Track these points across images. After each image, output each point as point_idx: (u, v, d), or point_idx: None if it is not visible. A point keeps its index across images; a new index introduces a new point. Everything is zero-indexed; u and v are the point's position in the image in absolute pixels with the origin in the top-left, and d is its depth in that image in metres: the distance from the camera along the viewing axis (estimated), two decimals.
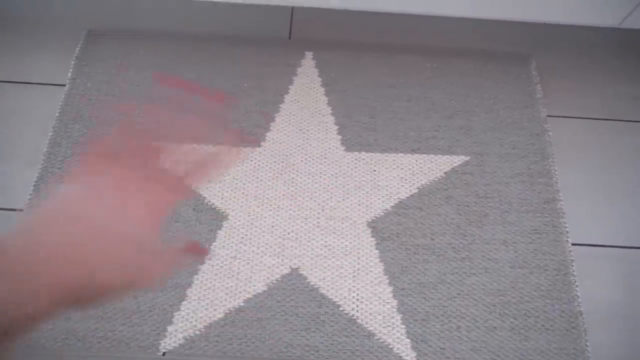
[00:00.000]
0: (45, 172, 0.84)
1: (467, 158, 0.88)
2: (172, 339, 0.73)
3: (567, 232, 0.82)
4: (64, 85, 0.93)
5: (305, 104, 0.92)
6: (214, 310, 0.75)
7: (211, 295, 0.76)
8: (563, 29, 0.99)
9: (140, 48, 0.97)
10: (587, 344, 0.74)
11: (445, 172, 0.87)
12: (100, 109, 0.90)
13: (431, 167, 0.87)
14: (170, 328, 0.74)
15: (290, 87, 0.94)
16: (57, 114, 0.90)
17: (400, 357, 0.73)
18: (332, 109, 0.92)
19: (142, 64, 0.95)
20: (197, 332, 0.74)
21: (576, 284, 0.78)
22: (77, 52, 0.96)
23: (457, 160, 0.88)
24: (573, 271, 0.79)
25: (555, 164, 0.88)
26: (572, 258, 0.80)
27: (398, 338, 0.74)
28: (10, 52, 0.96)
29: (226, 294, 0.76)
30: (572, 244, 0.81)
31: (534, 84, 0.96)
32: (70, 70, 0.94)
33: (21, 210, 0.81)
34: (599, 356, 0.73)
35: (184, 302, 0.75)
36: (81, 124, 0.89)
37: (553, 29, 0.99)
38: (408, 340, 0.74)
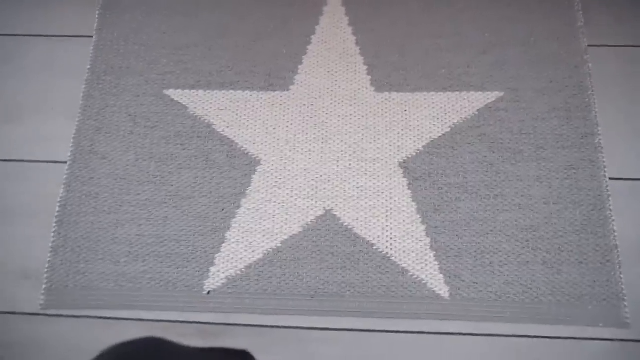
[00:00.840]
0: (82, 125, 0.87)
1: (502, 94, 0.86)
2: (215, 279, 0.77)
3: (604, 166, 0.80)
4: (90, 36, 0.93)
5: (333, 44, 0.90)
6: (253, 251, 0.78)
7: (249, 238, 0.79)
8: None
9: None
10: (622, 276, 0.74)
11: (478, 110, 0.85)
12: (129, 60, 0.91)
13: (463, 104, 0.85)
14: (212, 269, 0.78)
15: (316, 27, 0.92)
16: (88, 67, 0.91)
17: (433, 291, 0.75)
18: (360, 49, 0.90)
19: (169, 9, 0.94)
20: (238, 272, 0.77)
21: (612, 218, 0.77)
22: (100, 1, 0.95)
23: (490, 96, 0.85)
24: (609, 206, 0.78)
25: (595, 96, 0.84)
26: (609, 193, 0.79)
27: (431, 274, 0.76)
28: (36, 6, 0.96)
29: (263, 235, 0.79)
30: (610, 179, 0.79)
31: (575, 12, 0.90)
32: (96, 20, 0.94)
33: (64, 162, 0.85)
34: (633, 290, 0.74)
35: (223, 245, 0.79)
36: (112, 75, 0.90)
37: None
38: (441, 275, 0.76)
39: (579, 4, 0.91)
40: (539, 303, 0.74)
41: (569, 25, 0.90)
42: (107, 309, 0.76)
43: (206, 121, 0.86)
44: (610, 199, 0.79)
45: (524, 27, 0.90)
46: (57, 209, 0.82)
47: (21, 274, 0.79)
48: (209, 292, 0.77)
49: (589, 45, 0.88)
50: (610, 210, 0.78)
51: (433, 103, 0.85)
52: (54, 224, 0.81)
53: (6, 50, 0.93)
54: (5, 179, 0.85)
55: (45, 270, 0.79)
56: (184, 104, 0.87)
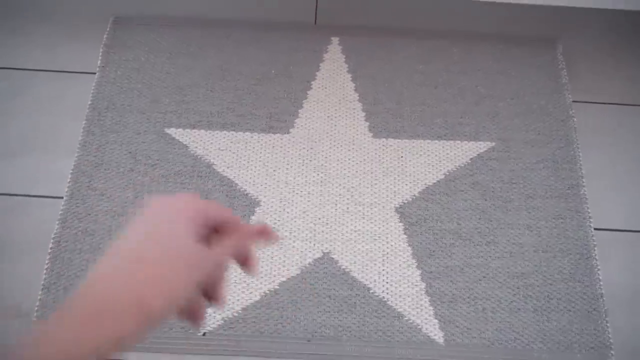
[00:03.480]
0: (81, 160, 0.87)
1: (493, 144, 0.90)
2: (211, 320, 0.77)
3: (590, 217, 0.84)
4: (94, 73, 0.94)
5: (333, 90, 0.94)
6: (250, 293, 0.79)
7: (247, 279, 0.79)
8: (589, 12, 0.99)
9: (167, 35, 0.98)
10: (608, 325, 0.77)
11: (471, 158, 0.88)
12: (131, 98, 0.92)
13: (457, 153, 0.89)
14: (209, 310, 0.78)
15: (317, 73, 0.95)
16: (90, 102, 0.91)
17: (428, 337, 0.76)
18: (359, 95, 0.93)
19: (171, 50, 0.96)
20: (235, 314, 0.77)
21: (598, 267, 0.81)
22: (104, 39, 0.97)
23: (483, 146, 0.89)
24: (595, 255, 0.82)
25: (580, 149, 0.89)
26: (594, 243, 0.82)
27: (426, 319, 0.78)
28: (39, 41, 0.97)
29: (262, 277, 0.80)
30: (595, 229, 0.83)
31: (559, 69, 0.96)
32: (99, 58, 0.95)
33: (61, 198, 0.84)
34: (619, 337, 0.77)
35: None
36: (113, 111, 0.91)
37: (579, 12, 0.99)
38: (436, 320, 0.77)
39: (562, 62, 0.97)
40: (530, 350, 0.76)
41: (555, 81, 0.95)
42: None
43: (206, 161, 0.87)
44: (595, 248, 0.82)
45: (514, 81, 0.95)
46: (51, 245, 0.81)
47: (13, 311, 0.77)
48: (204, 334, 0.76)
49: (574, 101, 0.93)
50: (596, 259, 0.82)
51: (428, 150, 0.89)
52: (47, 261, 0.80)
53: (11, 84, 0.93)
54: (2, 213, 0.83)
55: (36, 308, 0.77)
56: (184, 143, 0.89)
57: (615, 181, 0.88)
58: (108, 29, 0.98)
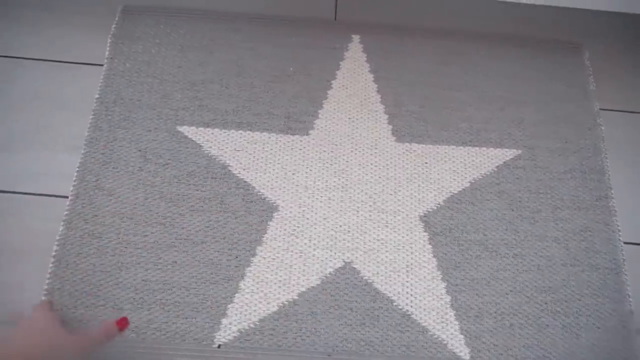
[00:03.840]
0: (87, 158, 0.82)
1: (519, 152, 0.86)
2: (226, 331, 0.73)
3: (619, 230, 0.82)
4: (101, 65, 0.89)
5: (354, 90, 0.89)
6: (268, 303, 0.75)
7: (264, 288, 0.75)
8: (614, 16, 0.96)
9: (178, 27, 0.93)
10: (638, 343, 0.75)
11: (497, 166, 0.85)
12: (141, 92, 0.87)
13: (483, 160, 0.86)
14: (224, 321, 0.73)
15: (337, 72, 0.91)
16: (97, 96, 0.86)
17: (454, 353, 0.73)
18: (381, 97, 0.89)
19: (183, 43, 0.91)
20: (252, 325, 0.73)
21: (628, 283, 0.78)
22: (113, 29, 0.91)
23: (508, 154, 0.86)
24: (624, 270, 0.79)
25: (608, 159, 0.87)
26: (623, 257, 0.80)
27: (452, 334, 0.74)
28: (42, 30, 0.91)
29: (279, 287, 0.76)
30: (624, 243, 0.81)
31: (586, 75, 0.93)
32: (107, 49, 0.90)
33: (66, 197, 0.79)
34: None
35: (237, 295, 0.75)
36: (122, 106, 0.86)
37: (604, 16, 0.96)
38: (462, 336, 0.74)
39: (589, 69, 0.94)
40: None
41: (581, 88, 0.92)
42: None
43: (221, 162, 0.83)
44: (625, 263, 0.80)
45: (539, 86, 0.92)
46: (55, 247, 0.76)
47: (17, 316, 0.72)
48: (219, 346, 0.72)
49: (601, 109, 0.91)
50: (626, 274, 0.79)
51: (453, 157, 0.85)
52: (51, 264, 0.75)
53: (11, 73, 0.87)
54: (1, 212, 0.78)
55: None
56: (198, 142, 0.84)
57: None
58: (116, 19, 0.92)
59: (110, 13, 0.93)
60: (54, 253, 0.76)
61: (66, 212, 0.78)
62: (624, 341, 0.75)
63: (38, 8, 0.92)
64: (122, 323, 0.68)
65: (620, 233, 0.82)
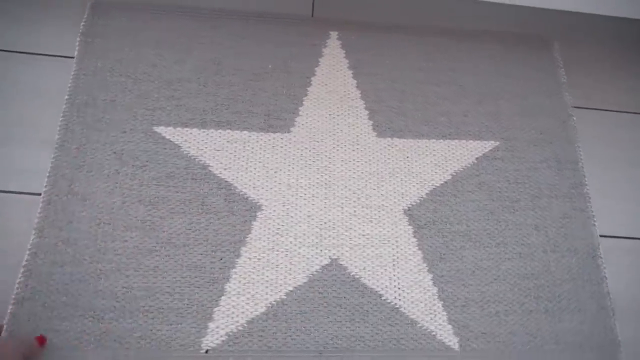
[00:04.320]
0: (59, 161, 0.78)
1: (497, 143, 0.88)
2: (214, 336, 0.71)
3: (593, 216, 0.85)
4: (71, 57, 0.85)
5: (334, 87, 0.89)
6: (255, 304, 0.73)
7: (251, 289, 0.74)
8: (585, 17, 0.99)
9: (153, 23, 0.90)
10: (615, 323, 0.78)
11: (476, 158, 0.87)
12: (115, 92, 0.84)
13: (463, 152, 0.87)
14: (211, 325, 0.71)
15: (316, 69, 0.90)
16: (67, 97, 0.82)
17: (443, 343, 0.74)
18: (361, 93, 0.89)
19: (158, 40, 0.88)
20: (240, 328, 0.72)
21: (604, 265, 0.81)
22: (81, 27, 0.88)
23: (487, 145, 0.88)
24: (600, 254, 0.82)
25: (581, 149, 0.89)
26: (599, 241, 0.83)
27: (440, 325, 0.75)
28: (10, 21, 0.87)
29: (266, 287, 0.74)
30: (600, 235, 0.83)
31: (557, 68, 0.96)
32: (76, 47, 0.86)
33: (39, 194, 0.75)
34: (628, 335, 0.77)
35: (223, 298, 0.73)
36: (95, 107, 0.82)
37: (579, 17, 0.99)
38: (450, 326, 0.75)
39: (560, 61, 0.97)
40: (543, 352, 0.75)
41: (553, 81, 0.95)
42: None
43: (201, 162, 0.81)
44: (600, 247, 0.82)
45: (514, 80, 0.94)
46: (27, 257, 0.72)
47: None
48: (207, 351, 0.70)
49: (574, 107, 0.93)
50: (601, 257, 0.82)
51: (434, 150, 0.86)
52: (20, 276, 0.71)
53: None
54: None
55: (5, 325, 0.68)
56: (176, 142, 0.82)
57: (616, 188, 0.88)
58: (85, 16, 0.88)
59: (80, 7, 0.89)
60: (24, 263, 0.72)
61: (37, 220, 0.74)
62: (603, 322, 0.77)
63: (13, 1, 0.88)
64: (42, 339, 0.67)
65: (595, 219, 0.84)
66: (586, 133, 0.91)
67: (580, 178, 0.87)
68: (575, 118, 0.92)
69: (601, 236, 0.83)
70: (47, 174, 0.77)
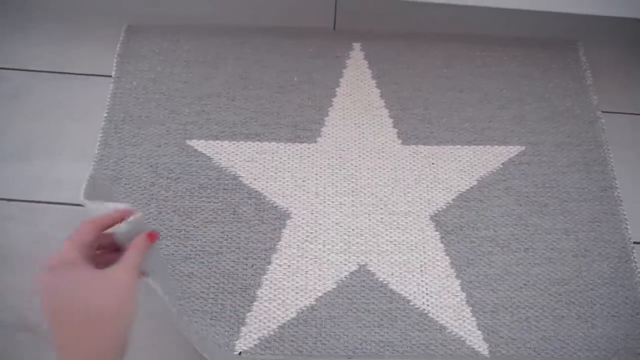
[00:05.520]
0: (98, 174, 0.82)
1: (523, 148, 0.88)
2: (246, 339, 0.73)
3: (625, 219, 0.83)
4: (109, 76, 0.90)
5: (358, 97, 0.91)
6: (286, 310, 0.75)
7: (282, 295, 0.76)
8: (608, 21, 0.98)
9: (182, 43, 0.94)
10: None
11: (502, 163, 0.87)
12: (149, 109, 0.88)
13: (488, 158, 0.87)
14: (244, 329, 0.74)
15: (340, 80, 0.92)
16: (105, 114, 0.87)
17: (473, 349, 0.74)
18: (385, 102, 0.91)
19: (188, 59, 0.93)
20: (272, 333, 0.74)
21: (638, 270, 0.80)
22: (118, 49, 0.93)
23: (513, 150, 0.88)
24: (634, 258, 0.81)
25: (610, 151, 0.88)
26: (632, 245, 0.81)
27: (469, 330, 0.75)
28: (46, 41, 0.93)
29: (296, 293, 0.76)
30: (634, 242, 0.82)
31: (583, 70, 0.95)
32: (114, 69, 0.91)
33: (81, 206, 0.80)
34: None
35: (255, 303, 0.75)
36: (131, 123, 0.87)
37: (603, 21, 0.98)
38: (479, 332, 0.75)
39: (586, 64, 0.96)
40: (577, 359, 0.74)
41: (579, 83, 0.95)
42: None
43: (232, 173, 0.84)
44: (634, 251, 0.81)
45: (538, 84, 0.94)
46: None
47: (18, 326, 0.72)
48: (240, 353, 0.73)
49: (602, 112, 0.92)
50: (635, 262, 0.80)
51: (459, 156, 0.87)
52: None
53: (19, 86, 0.89)
54: (9, 219, 0.79)
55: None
56: (208, 155, 0.85)
57: None
58: (121, 38, 0.94)
59: (114, 25, 0.95)
60: None
61: None
62: (639, 327, 0.76)
63: (39, 18, 0.95)
64: (153, 235, 0.55)
65: (627, 222, 0.83)
66: (614, 138, 0.90)
67: (610, 181, 0.86)
68: (603, 120, 0.91)
69: (635, 243, 0.82)
70: (85, 187, 0.82)
